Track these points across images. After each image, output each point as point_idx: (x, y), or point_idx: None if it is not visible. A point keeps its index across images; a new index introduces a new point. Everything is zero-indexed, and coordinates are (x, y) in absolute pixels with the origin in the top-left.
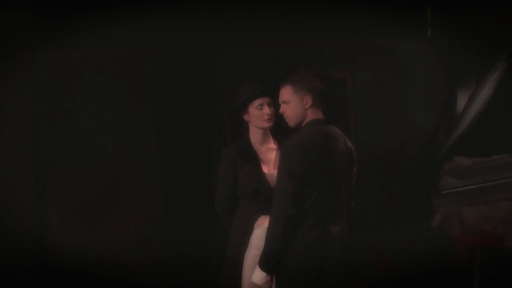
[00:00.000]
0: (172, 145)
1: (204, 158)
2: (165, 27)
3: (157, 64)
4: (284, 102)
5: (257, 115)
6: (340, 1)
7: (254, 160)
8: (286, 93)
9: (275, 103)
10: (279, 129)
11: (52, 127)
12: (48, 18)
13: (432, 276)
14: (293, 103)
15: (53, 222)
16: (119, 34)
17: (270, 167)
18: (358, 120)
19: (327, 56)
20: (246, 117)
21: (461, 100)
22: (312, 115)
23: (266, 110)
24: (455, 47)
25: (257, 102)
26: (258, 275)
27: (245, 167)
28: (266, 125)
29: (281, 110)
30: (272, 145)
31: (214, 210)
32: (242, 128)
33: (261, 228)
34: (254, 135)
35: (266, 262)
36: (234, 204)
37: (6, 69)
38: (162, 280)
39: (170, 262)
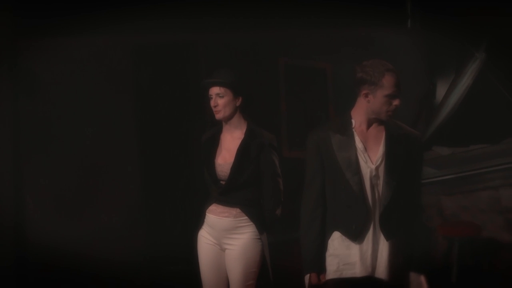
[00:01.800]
0: (152, 134)
1: (184, 148)
2: (145, 17)
3: (137, 54)
4: (398, 96)
5: (211, 105)
6: None
7: (211, 148)
8: (398, 82)
9: (237, 95)
10: None
11: (31, 116)
12: (28, 7)
13: None
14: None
15: (32, 213)
16: (99, 24)
17: (229, 156)
18: (338, 110)
19: (307, 47)
20: None
21: (441, 90)
22: None
23: (213, 102)
24: (434, 38)
25: (210, 92)
26: (421, 279)
27: (204, 155)
28: (216, 116)
29: (398, 103)
30: (239, 134)
31: (194, 199)
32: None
33: (210, 216)
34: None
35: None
36: None
37: None
38: (142, 270)
39: (150, 252)
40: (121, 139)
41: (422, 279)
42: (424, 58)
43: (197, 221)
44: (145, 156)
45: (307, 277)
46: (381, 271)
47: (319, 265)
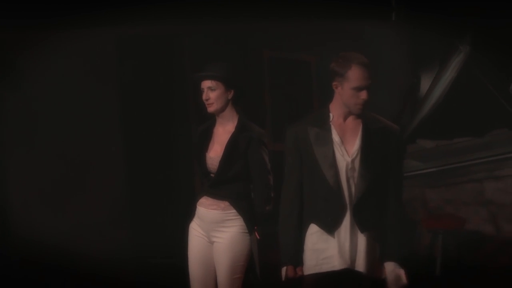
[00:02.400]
0: (137, 127)
1: (169, 140)
2: (129, 10)
3: (121, 46)
4: (368, 88)
5: (203, 98)
6: None
7: (203, 141)
8: (368, 78)
9: (228, 88)
10: None
11: (15, 109)
12: (11, 2)
13: None
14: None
15: (16, 207)
16: (83, 17)
17: (220, 149)
18: (323, 103)
19: (291, 40)
20: None
21: (425, 84)
22: None
23: (204, 95)
24: (419, 31)
25: (201, 85)
26: (400, 272)
27: (196, 147)
28: (208, 110)
29: (365, 96)
30: (231, 127)
31: (179, 193)
32: None
33: (200, 209)
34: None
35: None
36: None
37: None
38: (127, 264)
39: (135, 246)
40: (105, 133)
41: (401, 272)
42: (409, 51)
43: (183, 215)
44: (129, 150)
45: (284, 269)
46: (360, 264)
47: (296, 258)
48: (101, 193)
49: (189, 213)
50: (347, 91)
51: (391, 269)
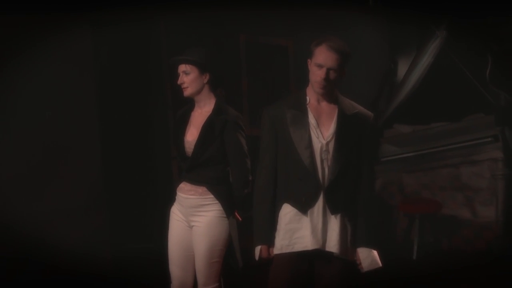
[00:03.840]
0: (113, 112)
1: (146, 125)
2: None
3: (96, 31)
4: (329, 69)
5: (178, 82)
6: None
7: (181, 125)
8: (334, 60)
9: (204, 72)
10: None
11: None
12: None
13: None
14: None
15: None
16: (59, 1)
17: (197, 132)
18: (300, 88)
19: (269, 24)
20: None
21: (402, 68)
22: None
23: (179, 79)
24: (396, 16)
25: (178, 70)
26: (374, 256)
27: (175, 131)
28: (184, 93)
29: (323, 75)
30: (207, 110)
31: (155, 179)
32: None
33: (179, 194)
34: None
35: (378, 237)
36: None
37: None
38: (103, 248)
39: (111, 230)
40: (81, 117)
41: (375, 255)
42: (386, 36)
43: (160, 200)
44: (105, 134)
45: (257, 249)
46: (332, 245)
47: (270, 238)
48: (77, 178)
49: (166, 198)
50: (312, 66)
51: (365, 254)
